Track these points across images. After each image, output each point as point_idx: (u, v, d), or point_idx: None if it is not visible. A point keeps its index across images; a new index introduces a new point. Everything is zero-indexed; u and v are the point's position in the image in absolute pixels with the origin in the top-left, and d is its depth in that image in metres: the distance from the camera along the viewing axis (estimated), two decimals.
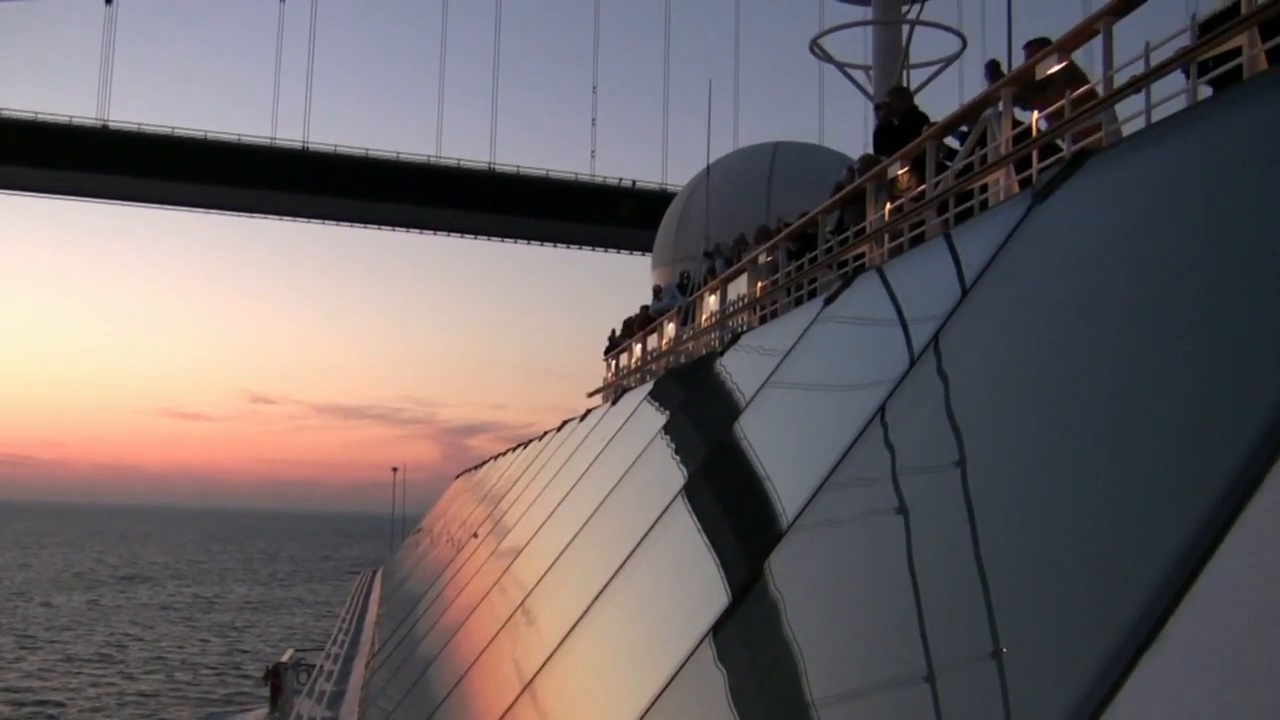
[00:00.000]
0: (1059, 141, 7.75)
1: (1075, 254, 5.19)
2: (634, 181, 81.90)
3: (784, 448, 7.61)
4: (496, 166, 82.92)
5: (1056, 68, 7.72)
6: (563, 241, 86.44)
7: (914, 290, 7.29)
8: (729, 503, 7.88)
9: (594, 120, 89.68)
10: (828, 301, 8.87)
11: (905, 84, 17.90)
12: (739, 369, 10.73)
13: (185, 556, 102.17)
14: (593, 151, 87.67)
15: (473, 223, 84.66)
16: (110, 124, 79.64)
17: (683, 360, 17.45)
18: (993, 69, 11.27)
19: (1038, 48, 8.62)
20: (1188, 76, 6.35)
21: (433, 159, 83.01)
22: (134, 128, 79.36)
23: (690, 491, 8.38)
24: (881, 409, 5.66)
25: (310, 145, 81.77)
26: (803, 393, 8.29)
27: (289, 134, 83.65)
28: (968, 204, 9.13)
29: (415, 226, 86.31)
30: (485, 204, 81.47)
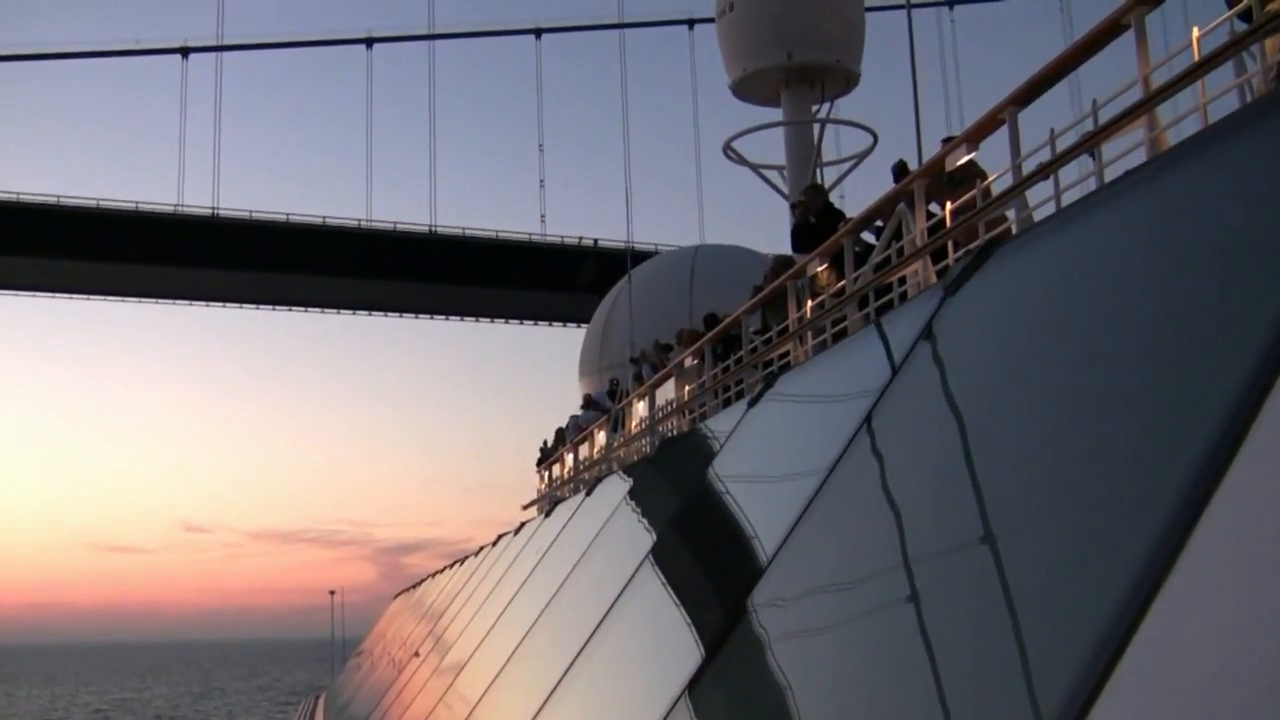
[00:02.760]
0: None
1: (986, 345, 5.28)
2: (595, 240, 70.59)
3: (721, 544, 7.63)
4: (438, 229, 72.20)
5: (966, 158, 7.85)
6: (514, 316, 76.06)
7: (834, 388, 7.38)
8: (671, 601, 7.89)
9: (542, 182, 77.46)
10: (752, 403, 8.90)
11: (819, 181, 18.13)
12: (669, 472, 10.72)
13: (113, 696, 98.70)
14: (542, 216, 75.38)
15: (411, 297, 74.32)
16: None
17: (615, 468, 17.40)
18: (900, 169, 11.42)
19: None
20: (1095, 160, 6.46)
21: (365, 223, 71.82)
22: (11, 197, 67.30)
23: (628, 596, 8.35)
24: (814, 498, 5.70)
25: (220, 212, 70.35)
26: (737, 487, 8.33)
27: (196, 201, 71.53)
28: (888, 297, 9.20)
29: (345, 306, 76.26)
30: (426, 272, 70.87)
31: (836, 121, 20.55)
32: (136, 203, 69.56)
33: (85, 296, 75.75)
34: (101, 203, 68.70)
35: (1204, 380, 3.26)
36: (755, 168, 20.62)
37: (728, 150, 20.72)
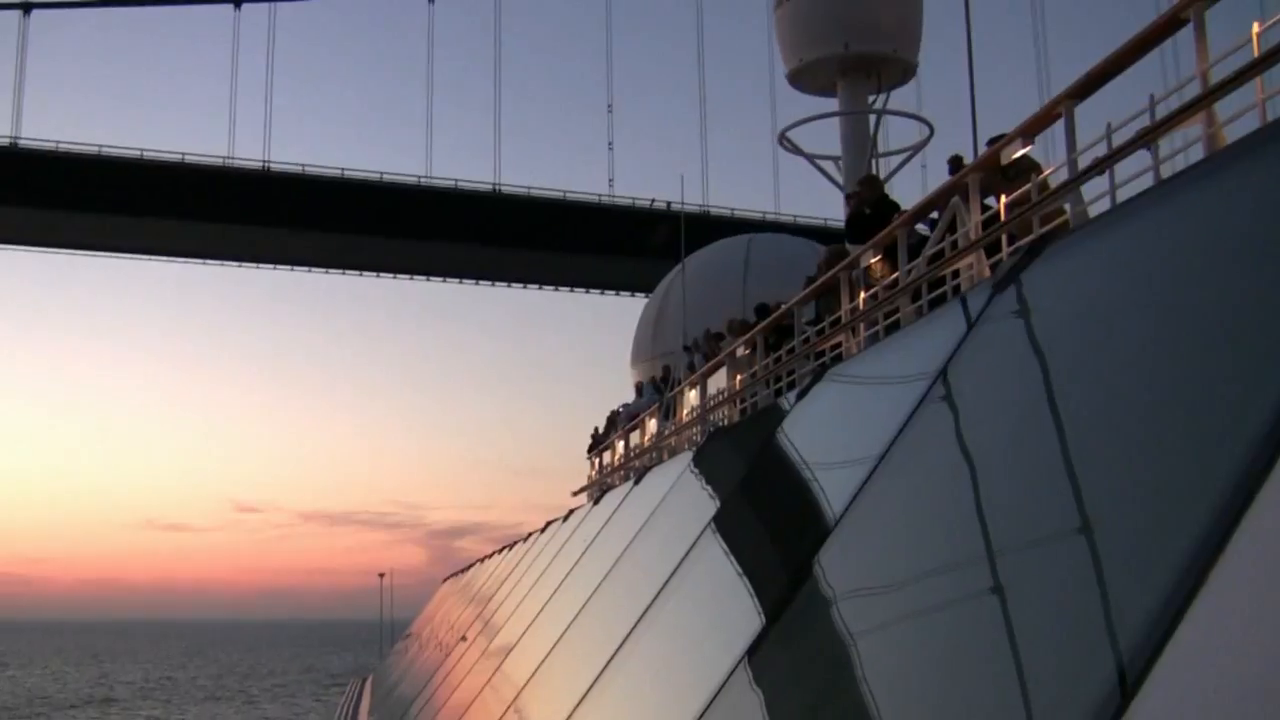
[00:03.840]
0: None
1: (1034, 344, 5.32)
2: (669, 203, 63.31)
3: (769, 531, 7.74)
4: (503, 187, 68.29)
5: (1021, 151, 7.83)
6: (579, 284, 73.03)
7: (879, 385, 7.51)
8: (723, 583, 7.97)
9: (610, 144, 73.71)
10: (800, 395, 8.97)
11: (875, 172, 18.09)
12: (719, 459, 10.81)
13: (159, 674, 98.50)
14: (610, 179, 71.25)
15: (471, 261, 70.79)
16: (20, 141, 64.39)
17: (665, 456, 17.45)
18: (955, 163, 11.38)
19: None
20: (1152, 155, 6.43)
21: (424, 179, 67.99)
22: (50, 146, 64.02)
23: (677, 580, 8.44)
24: (859, 491, 5.76)
25: (272, 166, 66.57)
26: (782, 478, 8.44)
27: (247, 154, 67.83)
28: (941, 290, 9.19)
29: (402, 270, 73.36)
30: (488, 234, 67.24)
31: (892, 113, 20.54)
32: (183, 154, 66.03)
33: (128, 256, 73.11)
34: (145, 154, 65.07)
35: (1249, 383, 3.28)
36: (811, 158, 20.60)
37: (783, 140, 20.72)
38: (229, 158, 66.91)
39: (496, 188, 68.75)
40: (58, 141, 64.48)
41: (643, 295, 50.13)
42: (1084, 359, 4.55)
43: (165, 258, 73.99)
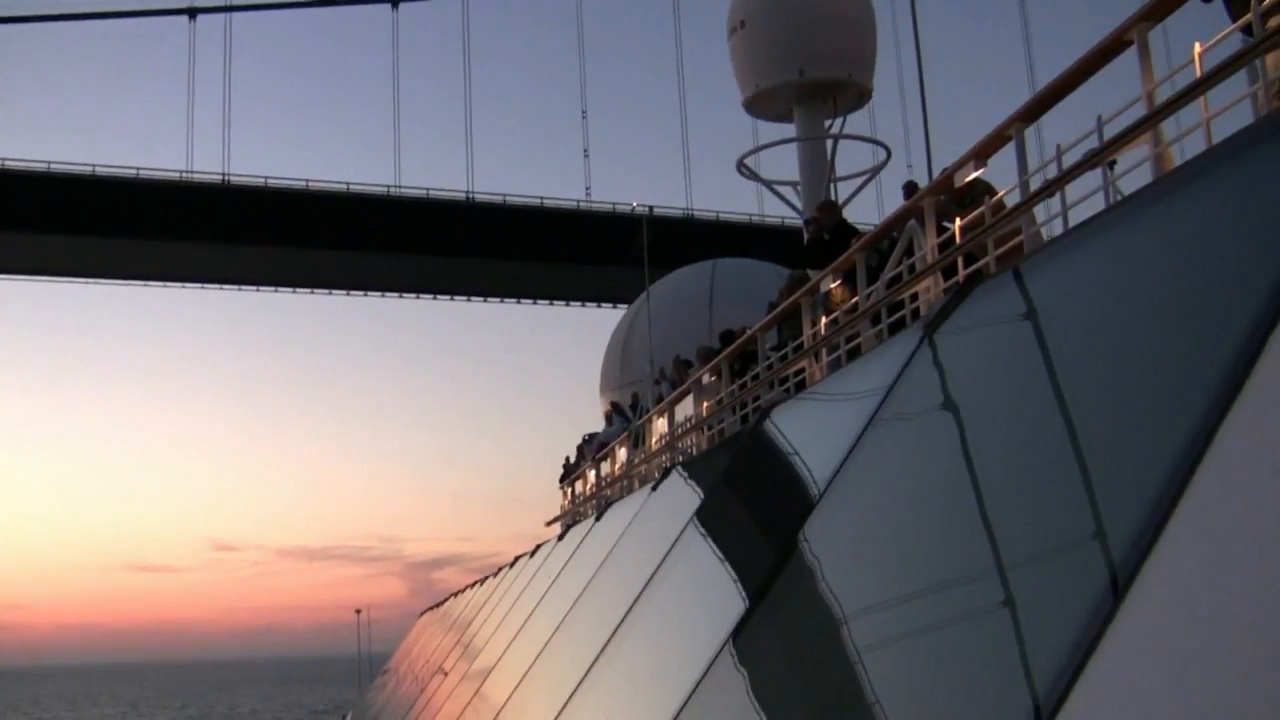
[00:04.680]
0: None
1: (960, 388, 5.44)
2: (651, 208, 58.57)
3: (723, 574, 7.87)
4: (476, 196, 64.98)
5: (974, 175, 7.86)
6: (558, 297, 69.74)
7: (816, 429, 7.83)
8: (672, 623, 8.05)
9: (586, 151, 69.59)
10: (751, 431, 9.14)
11: (833, 197, 18.14)
12: (671, 500, 10.93)
13: (138, 718, 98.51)
14: (588, 187, 67.55)
15: (445, 275, 67.10)
16: None
17: (635, 485, 17.44)
18: (909, 189, 11.43)
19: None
20: (1104, 176, 6.44)
21: (394, 189, 64.31)
22: None
23: (634, 614, 8.55)
24: (810, 517, 5.84)
25: (232, 179, 62.78)
26: (733, 515, 8.78)
27: (206, 168, 63.91)
28: (900, 313, 9.21)
29: (373, 287, 69.38)
30: (463, 245, 63.83)
31: (849, 137, 20.55)
32: (138, 169, 62.20)
33: (83, 280, 68.89)
34: (98, 169, 61.31)
35: (1173, 395, 3.30)
36: (769, 184, 20.61)
37: (741, 167, 20.74)
38: (187, 172, 63.58)
39: (470, 196, 65.80)
40: (3, 159, 60.71)
41: (624, 305, 44.97)
42: (1009, 401, 4.66)
43: (124, 281, 70.05)
